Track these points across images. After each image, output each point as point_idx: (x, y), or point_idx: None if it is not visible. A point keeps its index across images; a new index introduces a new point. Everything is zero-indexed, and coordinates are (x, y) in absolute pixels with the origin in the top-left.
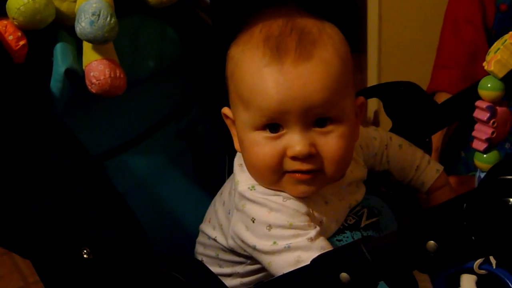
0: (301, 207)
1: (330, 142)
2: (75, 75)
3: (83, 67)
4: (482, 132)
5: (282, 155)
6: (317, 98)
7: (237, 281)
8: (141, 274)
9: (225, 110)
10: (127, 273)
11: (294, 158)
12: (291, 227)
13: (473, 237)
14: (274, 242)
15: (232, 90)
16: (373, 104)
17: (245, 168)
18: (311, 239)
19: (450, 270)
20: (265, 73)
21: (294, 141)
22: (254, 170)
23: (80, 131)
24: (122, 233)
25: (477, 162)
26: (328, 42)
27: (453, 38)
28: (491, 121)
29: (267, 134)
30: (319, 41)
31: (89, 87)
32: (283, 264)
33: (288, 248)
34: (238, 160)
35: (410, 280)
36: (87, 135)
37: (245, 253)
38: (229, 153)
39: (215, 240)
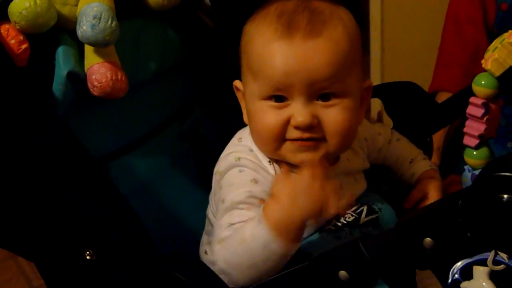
0: (259, 192)
1: (332, 114)
2: (77, 78)
3: (85, 70)
4: (474, 129)
5: (286, 124)
6: (322, 73)
7: None
8: (144, 275)
9: (237, 83)
10: (130, 274)
11: (297, 127)
12: (235, 207)
13: (468, 234)
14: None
15: (244, 63)
16: (377, 104)
17: (243, 142)
18: (231, 224)
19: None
20: (275, 46)
21: (297, 111)
22: (258, 136)
23: (83, 133)
24: (125, 234)
25: (467, 159)
26: (338, 22)
27: (454, 38)
28: (485, 118)
29: (272, 103)
30: (329, 21)
31: (91, 90)
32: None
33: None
34: (238, 134)
35: (408, 277)
36: (90, 137)
37: None
38: None
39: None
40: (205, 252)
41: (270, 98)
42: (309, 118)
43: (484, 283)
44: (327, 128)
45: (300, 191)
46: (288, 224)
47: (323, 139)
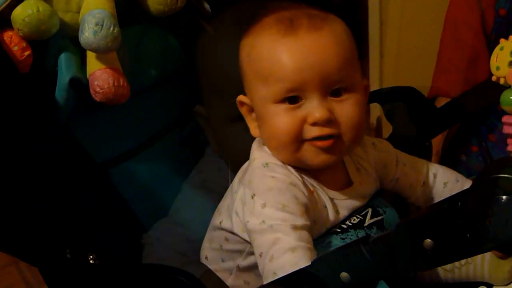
0: (301, 196)
1: (346, 108)
2: (80, 84)
3: (87, 76)
4: None
5: (302, 123)
6: (332, 65)
7: (240, 281)
8: (145, 278)
9: (241, 98)
10: (133, 277)
11: (315, 124)
12: (283, 209)
13: (468, 235)
14: (263, 221)
15: (249, 73)
16: (376, 110)
17: (264, 148)
18: (295, 227)
19: None
20: (282, 44)
21: (314, 108)
22: (274, 141)
23: (84, 139)
24: (127, 239)
25: None
26: (336, 20)
27: (453, 43)
28: None
29: (286, 105)
30: (327, 19)
31: (93, 96)
32: (263, 242)
33: (270, 228)
34: (256, 143)
35: (408, 278)
36: (92, 143)
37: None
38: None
39: (220, 225)
40: (206, 258)
41: (283, 101)
42: (326, 113)
43: None
44: (343, 122)
45: None
46: None
47: (339, 136)
